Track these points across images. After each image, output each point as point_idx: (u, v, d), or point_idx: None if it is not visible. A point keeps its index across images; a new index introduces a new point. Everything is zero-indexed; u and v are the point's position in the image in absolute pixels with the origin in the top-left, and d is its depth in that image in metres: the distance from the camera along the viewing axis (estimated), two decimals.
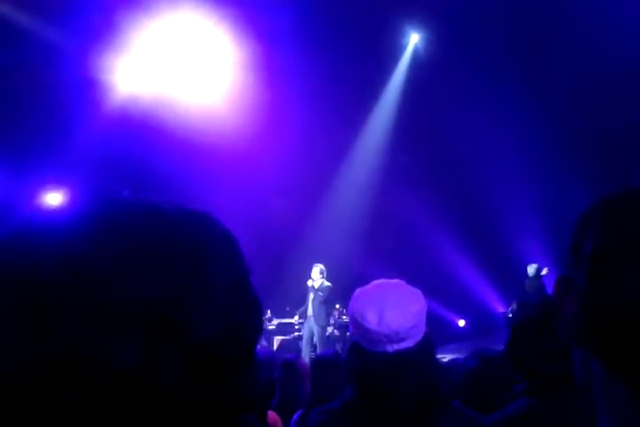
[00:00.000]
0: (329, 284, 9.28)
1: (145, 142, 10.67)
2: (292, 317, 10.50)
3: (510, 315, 12.04)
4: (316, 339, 9.29)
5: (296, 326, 10.88)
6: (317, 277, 9.27)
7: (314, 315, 9.24)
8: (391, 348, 1.46)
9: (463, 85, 11.68)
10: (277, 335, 11.12)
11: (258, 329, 0.53)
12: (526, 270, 11.21)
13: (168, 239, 0.49)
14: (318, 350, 9.16)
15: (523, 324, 1.78)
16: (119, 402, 0.43)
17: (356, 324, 1.49)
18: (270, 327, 11.02)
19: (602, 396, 0.59)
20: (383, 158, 13.92)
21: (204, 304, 0.48)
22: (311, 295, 9.29)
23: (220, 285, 0.49)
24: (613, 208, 0.60)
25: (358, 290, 1.58)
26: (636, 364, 0.54)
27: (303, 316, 9.76)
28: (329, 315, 9.81)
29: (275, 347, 10.91)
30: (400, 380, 1.45)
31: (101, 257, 0.46)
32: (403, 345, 1.46)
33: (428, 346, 1.52)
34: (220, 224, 0.54)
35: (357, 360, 1.53)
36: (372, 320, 1.45)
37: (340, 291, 11.33)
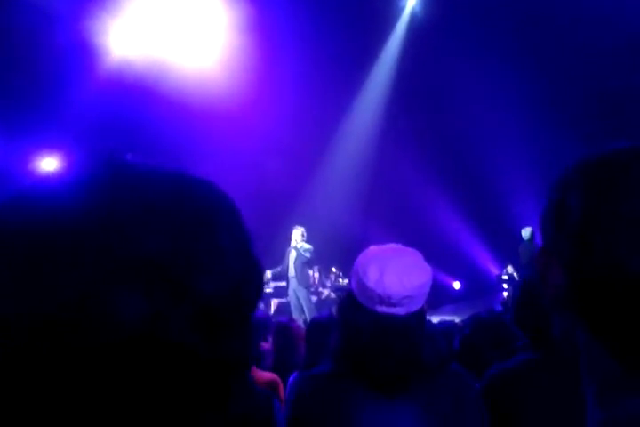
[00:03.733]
0: (310, 246, 9.34)
1: (139, 105, 10.55)
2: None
3: (505, 277, 12.16)
4: (302, 301, 9.36)
5: (268, 291, 10.85)
6: (299, 239, 9.31)
7: (296, 276, 9.28)
8: (380, 309, 1.48)
9: (460, 48, 11.52)
10: (275, 298, 11.22)
11: (258, 291, 0.55)
12: (521, 233, 11.26)
13: (178, 202, 0.51)
14: (306, 312, 9.23)
15: (529, 286, 1.80)
16: (123, 355, 0.45)
17: (357, 277, 1.51)
18: (268, 290, 11.11)
19: (585, 358, 0.61)
20: (380, 121, 13.82)
21: (209, 263, 0.49)
22: (292, 257, 9.31)
23: (224, 247, 0.51)
24: (595, 174, 0.60)
25: (373, 247, 1.59)
26: (618, 329, 0.55)
27: (279, 277, 9.79)
28: (309, 276, 9.88)
29: (272, 309, 11.02)
30: (379, 342, 1.48)
31: (110, 212, 0.47)
32: (393, 310, 1.48)
33: (418, 320, 1.53)
34: (225, 193, 0.56)
35: (347, 310, 1.57)
36: (371, 277, 1.47)
37: (336, 254, 11.39)
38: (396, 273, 1.46)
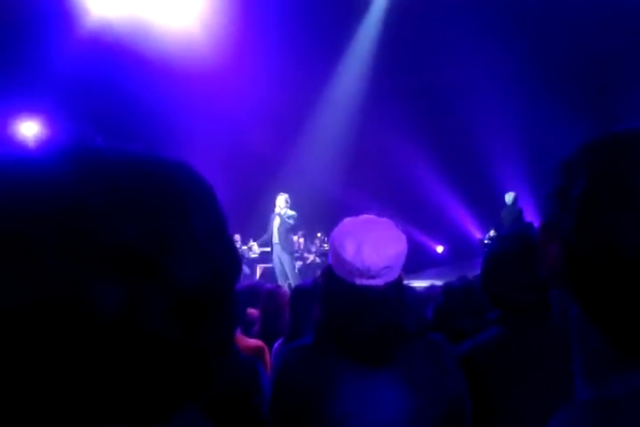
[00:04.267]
0: (294, 212, 9.35)
1: (119, 67, 10.35)
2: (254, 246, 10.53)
3: (487, 241, 12.29)
4: (286, 267, 9.42)
5: (253, 256, 10.91)
6: (283, 206, 9.31)
7: (280, 242, 9.31)
8: (359, 281, 1.49)
9: (445, 12, 11.38)
10: (260, 264, 11.28)
11: (235, 276, 0.54)
12: (504, 198, 11.33)
13: (150, 186, 0.50)
14: (290, 278, 9.30)
15: (499, 256, 1.78)
16: (102, 343, 0.44)
17: (334, 251, 1.52)
18: (253, 256, 11.14)
19: (577, 335, 0.61)
20: (364, 85, 13.69)
21: (185, 249, 0.48)
22: (276, 223, 9.32)
23: (200, 231, 0.50)
24: (602, 153, 0.60)
25: (346, 219, 1.59)
26: (609, 308, 0.55)
27: (264, 244, 9.83)
28: (293, 242, 9.93)
29: (257, 275, 11.08)
30: (364, 313, 1.49)
31: (86, 201, 0.46)
32: (372, 282, 1.49)
33: (396, 289, 1.55)
34: (198, 175, 0.55)
35: (327, 284, 1.58)
36: (348, 251, 1.48)
37: (321, 219, 11.42)
38: (373, 245, 1.47)
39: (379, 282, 1.50)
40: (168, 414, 0.50)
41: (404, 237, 1.57)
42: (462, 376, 1.58)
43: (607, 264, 0.54)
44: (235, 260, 0.54)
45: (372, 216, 1.61)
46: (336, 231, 1.55)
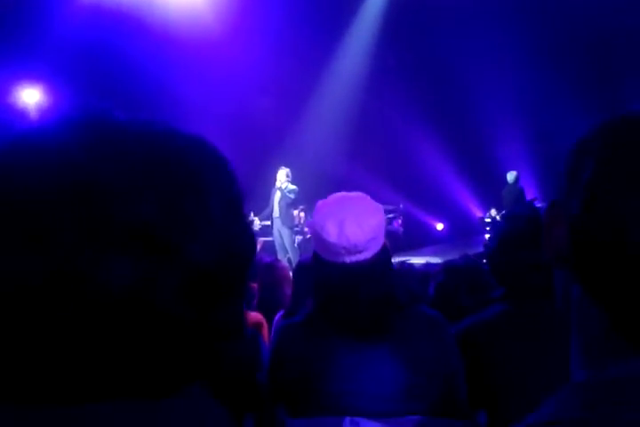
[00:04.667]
0: (295, 187, 9.32)
1: (122, 36, 10.24)
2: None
3: (488, 220, 12.30)
4: (285, 241, 9.43)
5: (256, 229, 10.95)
6: (284, 180, 9.28)
7: (281, 217, 9.30)
8: (349, 259, 1.51)
9: None
10: (260, 237, 11.30)
11: (250, 256, 0.54)
12: (506, 177, 11.31)
13: (164, 160, 0.49)
14: (289, 251, 9.32)
15: (510, 235, 1.78)
16: (112, 319, 0.44)
17: (317, 236, 1.53)
18: (254, 229, 11.14)
19: (577, 317, 0.61)
20: (368, 60, 13.57)
21: (201, 227, 0.48)
22: (277, 197, 9.29)
23: (216, 210, 0.49)
24: (613, 135, 0.59)
25: (320, 202, 1.61)
26: (615, 290, 0.55)
27: (265, 218, 9.83)
28: (294, 217, 9.94)
29: (257, 248, 11.10)
30: (359, 288, 1.51)
31: (97, 174, 0.45)
32: (360, 257, 1.51)
33: (384, 257, 1.57)
34: (217, 150, 0.53)
35: (317, 270, 1.59)
36: (331, 233, 1.49)
37: (323, 193, 11.38)
38: (354, 221, 1.49)
39: (367, 255, 1.51)
40: (176, 390, 0.50)
41: (380, 206, 1.60)
42: (458, 352, 1.59)
43: (613, 247, 0.54)
44: (250, 239, 0.54)
45: (343, 193, 1.63)
46: (315, 217, 1.56)
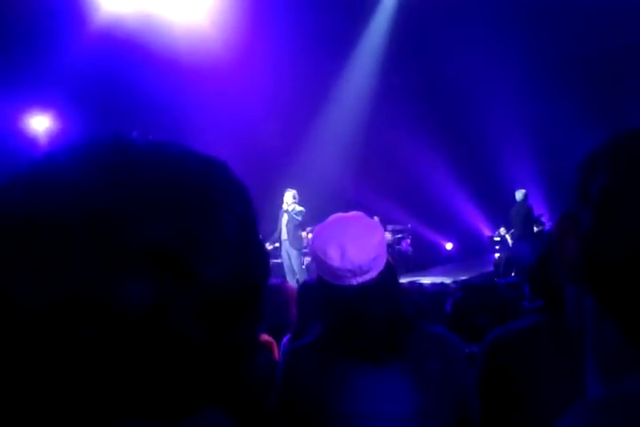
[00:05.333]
0: (302, 208, 9.33)
1: (130, 62, 10.37)
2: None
3: (497, 238, 12.24)
4: (293, 263, 9.43)
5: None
6: (290, 202, 9.30)
7: (289, 239, 9.32)
8: (355, 281, 1.49)
9: (456, 6, 11.32)
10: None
11: (265, 277, 0.54)
12: (514, 195, 11.29)
13: (180, 183, 0.49)
14: (297, 273, 9.30)
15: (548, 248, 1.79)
16: (129, 342, 0.44)
17: (320, 261, 1.52)
18: None
19: (592, 332, 0.60)
20: (374, 80, 13.66)
21: (215, 249, 0.48)
22: (285, 219, 9.32)
23: (231, 232, 0.49)
24: (624, 149, 0.59)
25: (318, 226, 1.60)
26: (630, 302, 0.54)
27: (275, 241, 9.85)
28: (302, 238, 9.94)
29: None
30: (366, 309, 1.49)
31: (114, 199, 0.46)
32: (366, 277, 1.49)
33: (390, 274, 1.55)
34: (231, 171, 0.54)
35: (323, 295, 1.58)
36: (334, 257, 1.47)
37: (330, 214, 11.39)
38: (354, 242, 1.48)
39: (372, 275, 1.50)
40: (192, 412, 0.50)
41: (378, 224, 1.59)
42: (471, 373, 1.57)
43: (626, 260, 0.54)
44: (265, 260, 0.54)
45: (339, 214, 1.62)
46: (314, 240, 1.55)
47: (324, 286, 1.55)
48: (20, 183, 0.47)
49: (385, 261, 1.55)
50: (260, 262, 0.53)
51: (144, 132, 0.52)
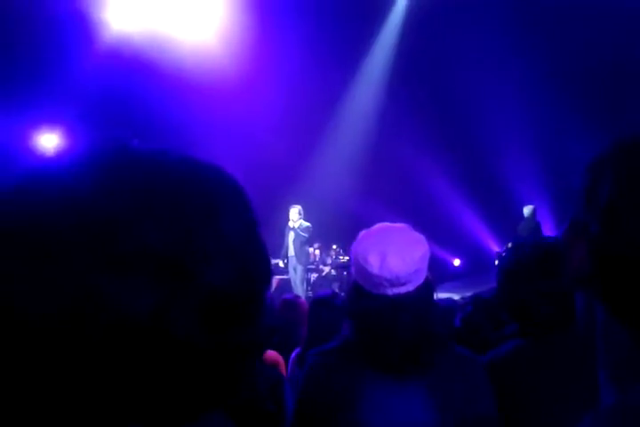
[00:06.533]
0: (308, 224, 9.32)
1: (138, 80, 10.47)
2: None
3: (504, 254, 12.17)
4: (297, 277, 9.42)
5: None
6: (296, 218, 9.29)
7: (296, 255, 9.35)
8: (391, 291, 1.47)
9: (461, 23, 11.40)
10: (276, 275, 11.27)
11: (266, 279, 0.53)
12: (522, 211, 11.25)
13: (179, 188, 0.49)
14: (298, 288, 9.28)
15: (518, 266, 1.71)
16: (131, 348, 0.44)
17: (359, 267, 1.50)
18: None
19: (603, 339, 0.60)
20: (380, 97, 13.72)
21: (215, 252, 0.48)
22: (291, 236, 9.34)
23: (230, 233, 0.49)
24: (630, 155, 0.59)
25: (363, 232, 1.57)
26: (638, 312, 0.54)
27: (284, 258, 9.85)
28: (309, 254, 9.92)
29: (273, 287, 11.08)
30: (398, 322, 1.47)
31: (113, 204, 0.45)
32: (403, 289, 1.47)
33: (427, 290, 1.53)
34: (230, 176, 0.54)
35: (357, 301, 1.55)
36: (374, 264, 1.45)
37: (337, 230, 11.40)
38: (397, 254, 1.45)
39: (409, 288, 1.48)
40: (195, 418, 0.50)
41: (423, 238, 1.56)
42: (493, 394, 1.53)
43: (635, 265, 0.53)
44: (266, 264, 0.54)
45: (386, 224, 1.59)
46: (356, 247, 1.52)
47: (358, 292, 1.53)
48: (20, 188, 0.47)
49: (424, 276, 1.52)
50: (262, 266, 0.53)
51: (143, 139, 0.53)
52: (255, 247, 0.52)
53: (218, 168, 0.54)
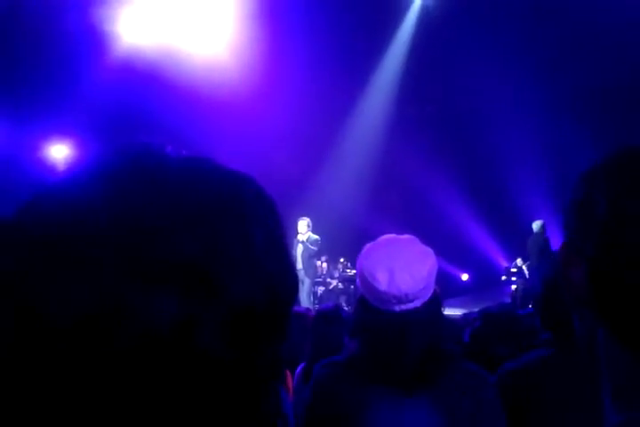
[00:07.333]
0: (317, 237, 9.28)
1: (149, 93, 10.55)
2: None
3: (514, 269, 12.11)
4: (303, 290, 9.39)
5: None
6: (305, 231, 9.26)
7: (303, 268, 9.30)
8: (398, 308, 1.45)
9: (470, 39, 11.44)
10: None
11: (293, 291, 0.52)
12: (531, 226, 11.20)
13: (210, 197, 0.48)
14: (305, 300, 9.25)
15: (553, 278, 1.73)
16: (154, 360, 0.43)
17: (366, 282, 1.47)
18: None
19: (605, 359, 0.59)
20: (389, 111, 13.76)
21: (243, 266, 0.47)
22: (300, 249, 9.30)
23: (259, 245, 0.48)
24: (619, 169, 0.58)
25: (368, 246, 1.54)
26: (638, 329, 0.53)
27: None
28: (316, 267, 9.86)
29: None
30: (405, 337, 1.45)
31: (143, 211, 0.45)
32: (410, 306, 1.45)
33: (435, 305, 1.51)
34: (259, 185, 0.53)
35: (364, 316, 1.53)
36: (382, 281, 1.43)
37: (344, 244, 11.38)
38: (405, 269, 1.43)
39: (417, 304, 1.46)
40: None
41: (430, 251, 1.53)
42: (502, 410, 1.50)
43: (632, 284, 0.52)
44: (293, 277, 0.52)
45: (392, 236, 1.56)
46: (362, 261, 1.49)
47: (365, 306, 1.51)
48: (50, 195, 0.47)
49: (432, 291, 1.50)
50: (289, 279, 0.52)
51: (177, 146, 0.52)
52: (283, 261, 0.51)
53: (249, 178, 0.53)
